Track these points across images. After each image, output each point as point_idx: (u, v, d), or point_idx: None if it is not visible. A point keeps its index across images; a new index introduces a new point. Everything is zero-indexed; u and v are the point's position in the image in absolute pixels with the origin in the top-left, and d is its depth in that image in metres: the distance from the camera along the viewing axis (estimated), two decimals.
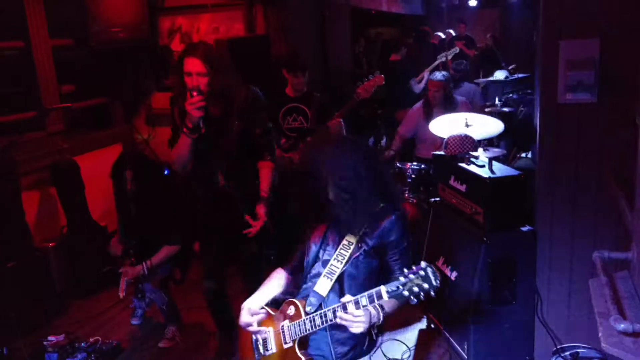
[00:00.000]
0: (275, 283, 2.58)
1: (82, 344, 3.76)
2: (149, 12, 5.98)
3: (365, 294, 2.11)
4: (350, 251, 2.36)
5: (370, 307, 2.16)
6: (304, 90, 4.67)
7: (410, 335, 3.76)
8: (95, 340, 3.81)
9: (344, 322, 2.16)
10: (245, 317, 2.43)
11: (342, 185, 2.25)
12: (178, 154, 3.10)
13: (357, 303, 2.13)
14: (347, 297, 2.17)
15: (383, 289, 2.06)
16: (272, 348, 2.42)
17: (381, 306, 2.27)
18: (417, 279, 2.01)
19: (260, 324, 2.46)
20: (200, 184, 3.33)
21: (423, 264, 2.04)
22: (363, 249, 2.36)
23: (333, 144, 2.38)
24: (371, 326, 2.28)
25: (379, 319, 2.27)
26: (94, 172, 4.90)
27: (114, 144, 5.67)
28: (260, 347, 2.46)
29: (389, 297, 2.05)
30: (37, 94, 4.73)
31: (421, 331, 3.79)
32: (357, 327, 2.16)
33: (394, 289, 2.04)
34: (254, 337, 2.48)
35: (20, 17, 4.57)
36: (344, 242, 2.38)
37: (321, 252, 2.47)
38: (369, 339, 2.48)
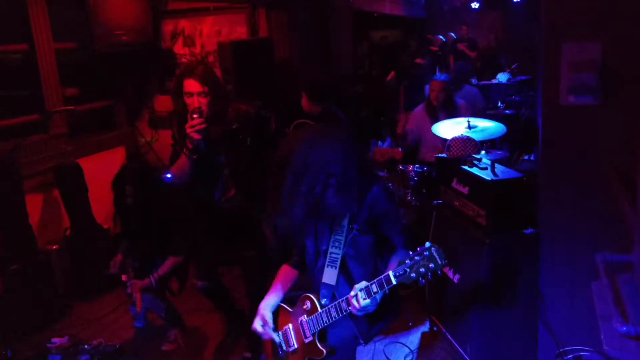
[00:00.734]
0: (284, 280, 2.61)
1: (86, 346, 3.76)
2: (152, 15, 5.99)
3: (375, 281, 2.16)
4: (344, 234, 2.38)
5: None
6: (319, 111, 4.60)
7: (412, 338, 3.77)
8: (99, 343, 3.81)
9: (356, 311, 2.21)
10: (258, 327, 2.47)
11: (330, 176, 2.23)
12: (178, 173, 3.14)
13: (368, 292, 2.17)
14: (358, 285, 2.21)
15: (391, 274, 2.11)
16: (294, 344, 2.45)
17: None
18: (423, 259, 2.07)
19: (280, 322, 2.51)
20: (205, 198, 3.38)
21: (427, 244, 2.09)
22: (356, 228, 2.38)
23: (312, 138, 2.31)
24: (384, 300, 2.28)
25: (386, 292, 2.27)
26: (98, 174, 4.91)
27: (117, 146, 5.68)
28: (283, 344, 2.49)
29: (397, 282, 2.10)
30: (41, 97, 4.76)
31: (424, 334, 3.79)
32: (367, 311, 2.21)
33: (402, 272, 2.09)
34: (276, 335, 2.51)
35: (24, 20, 4.59)
36: (336, 227, 2.40)
37: (319, 244, 2.48)
38: (392, 307, 2.51)
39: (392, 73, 8.27)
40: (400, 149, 3.99)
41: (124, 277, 3.73)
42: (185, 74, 3.05)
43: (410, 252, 2.12)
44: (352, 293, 2.21)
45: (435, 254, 2.06)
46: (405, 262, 2.10)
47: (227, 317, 3.89)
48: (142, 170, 3.98)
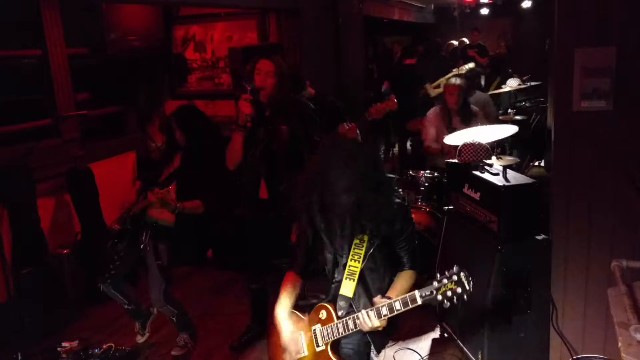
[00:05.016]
0: (293, 287, 2.60)
1: (96, 350, 3.76)
2: (164, 21, 6.04)
3: (399, 299, 2.18)
4: (364, 249, 2.40)
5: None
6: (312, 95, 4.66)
7: (423, 344, 3.74)
8: (109, 347, 3.81)
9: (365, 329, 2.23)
10: (287, 334, 2.46)
11: (357, 190, 2.25)
12: (231, 153, 3.45)
13: (390, 308, 2.19)
14: (380, 301, 2.24)
15: (417, 293, 2.14)
16: (304, 351, 2.45)
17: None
18: (451, 283, 2.09)
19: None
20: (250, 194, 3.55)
21: (455, 268, 2.12)
22: (376, 243, 2.41)
23: (342, 152, 2.36)
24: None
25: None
26: (109, 179, 4.94)
27: (129, 151, 5.70)
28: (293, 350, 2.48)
29: (423, 302, 2.13)
30: (53, 101, 4.78)
31: (434, 340, 3.77)
32: (376, 329, 2.24)
33: (428, 293, 2.12)
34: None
35: (37, 26, 4.63)
36: (356, 240, 2.42)
37: (338, 257, 2.51)
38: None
39: (386, 83, 8.08)
40: (395, 99, 4.00)
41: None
42: (263, 56, 3.42)
43: (438, 275, 2.14)
44: (376, 305, 2.24)
45: (463, 279, 2.09)
46: (433, 283, 2.12)
47: (253, 318, 3.90)
48: (190, 108, 3.96)
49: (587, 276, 3.07)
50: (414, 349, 3.67)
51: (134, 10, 5.57)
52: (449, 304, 2.09)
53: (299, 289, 2.63)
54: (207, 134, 3.77)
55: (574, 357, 3.09)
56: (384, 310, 2.20)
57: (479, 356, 3.21)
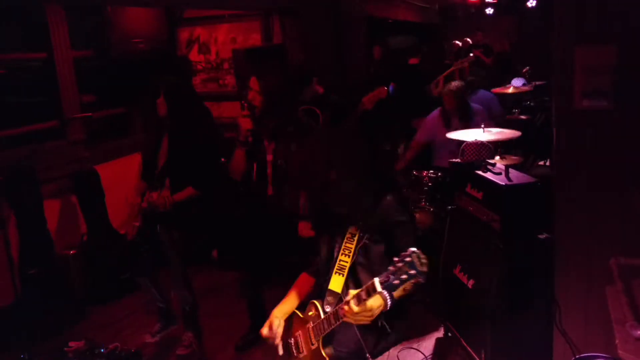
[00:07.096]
0: (301, 287, 2.61)
1: (102, 350, 3.79)
2: (168, 23, 6.07)
3: (364, 287, 2.08)
4: (354, 242, 2.38)
5: (372, 299, 2.12)
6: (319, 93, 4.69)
7: (427, 344, 3.74)
8: (114, 347, 3.83)
9: (347, 319, 2.17)
10: (265, 331, 2.48)
11: (345, 176, 2.26)
12: (234, 165, 3.62)
13: (358, 298, 2.10)
14: (350, 294, 2.16)
15: (376, 280, 2.00)
16: (303, 350, 2.46)
17: (390, 293, 2.20)
18: (405, 265, 1.95)
19: (294, 328, 2.53)
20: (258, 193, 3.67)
21: (409, 250, 1.97)
22: (367, 236, 2.37)
23: (335, 137, 2.38)
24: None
25: (387, 307, 2.21)
26: (114, 180, 4.97)
27: (134, 152, 5.74)
28: (293, 350, 2.51)
29: (383, 288, 2.00)
30: (59, 103, 4.83)
31: (438, 339, 3.77)
32: (361, 321, 2.16)
33: (385, 279, 1.98)
34: (289, 340, 2.52)
35: (43, 29, 4.67)
36: (347, 235, 2.40)
37: (334, 251, 2.49)
38: (400, 319, 2.51)
39: (392, 84, 8.10)
40: (385, 87, 4.00)
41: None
42: (256, 73, 3.63)
43: (395, 258, 2.00)
44: (345, 300, 2.19)
45: (415, 260, 1.93)
46: (389, 268, 2.00)
47: (253, 316, 3.91)
48: (178, 83, 3.90)
49: (589, 275, 3.06)
50: (417, 348, 3.67)
51: (138, 13, 5.61)
52: (408, 288, 2.01)
53: (309, 290, 2.63)
54: (196, 110, 3.76)
55: (577, 356, 3.09)
56: (363, 295, 2.07)
57: (482, 355, 3.21)
